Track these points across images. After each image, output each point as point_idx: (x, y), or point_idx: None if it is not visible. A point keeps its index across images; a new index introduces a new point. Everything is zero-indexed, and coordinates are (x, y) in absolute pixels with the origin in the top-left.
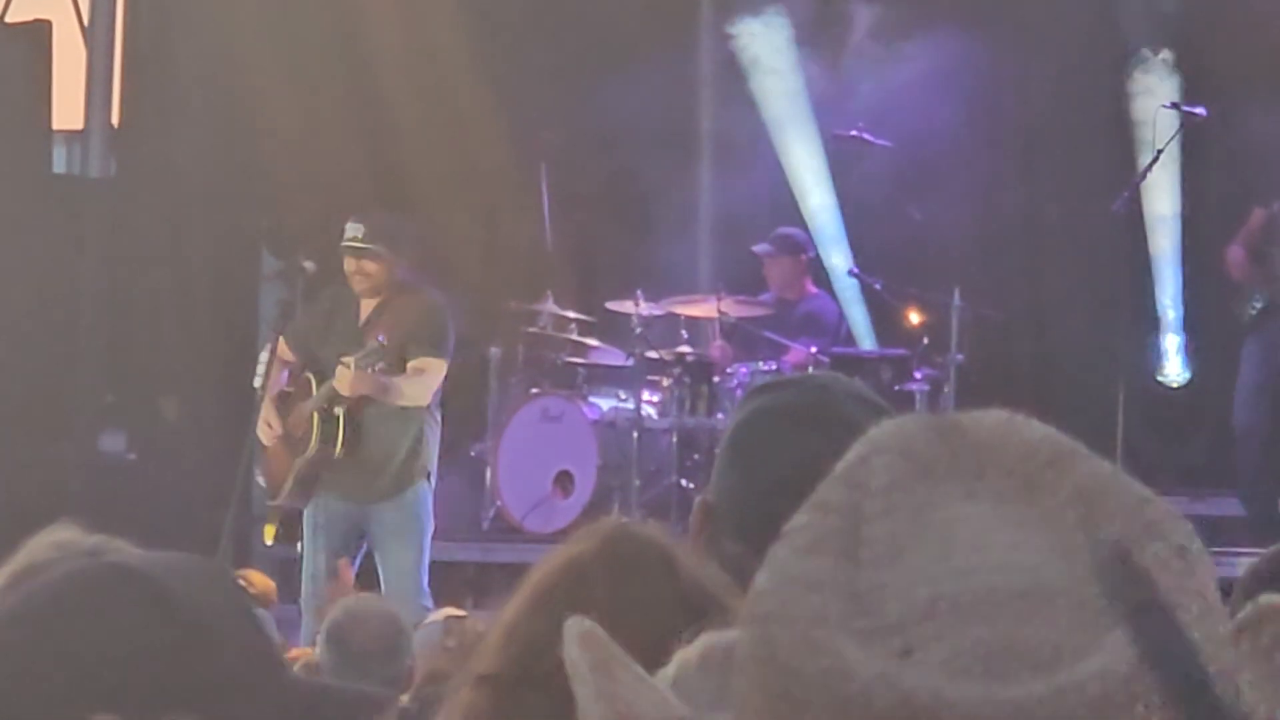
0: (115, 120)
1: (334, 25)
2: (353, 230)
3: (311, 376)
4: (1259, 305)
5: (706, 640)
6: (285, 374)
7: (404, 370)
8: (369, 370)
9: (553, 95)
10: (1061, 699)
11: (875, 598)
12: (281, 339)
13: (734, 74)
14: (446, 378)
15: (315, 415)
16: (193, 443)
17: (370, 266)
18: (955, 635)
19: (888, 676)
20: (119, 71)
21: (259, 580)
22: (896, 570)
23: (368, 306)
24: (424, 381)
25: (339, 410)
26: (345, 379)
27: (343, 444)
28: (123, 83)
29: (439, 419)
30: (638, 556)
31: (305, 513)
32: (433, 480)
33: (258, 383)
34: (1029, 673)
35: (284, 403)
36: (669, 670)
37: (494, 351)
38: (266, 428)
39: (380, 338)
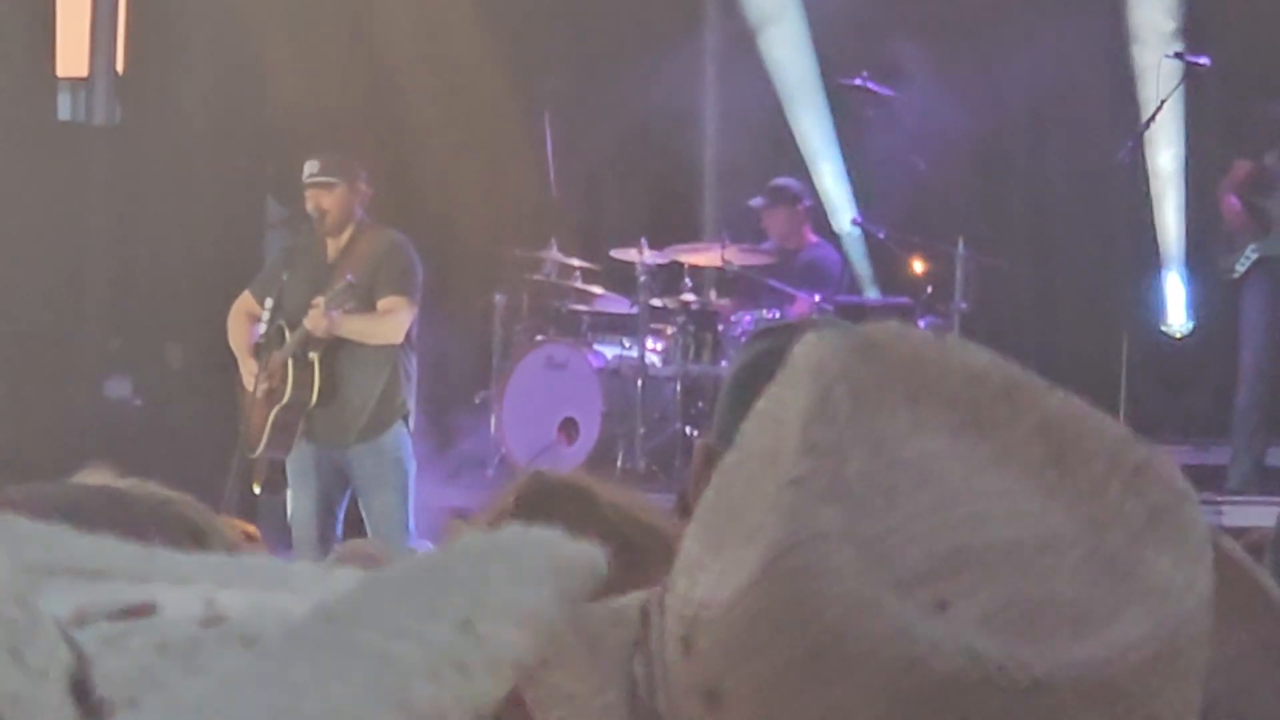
0: (120, 67)
1: None
2: (310, 167)
3: (284, 324)
4: (1255, 256)
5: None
6: (256, 328)
7: (374, 310)
8: (341, 310)
9: (557, 42)
10: (1124, 659)
11: (886, 547)
12: (248, 293)
13: (739, 21)
14: (451, 324)
15: (290, 362)
16: (198, 389)
17: (327, 200)
18: (990, 589)
19: (955, 638)
20: (124, 18)
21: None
22: (896, 516)
23: (333, 248)
24: (396, 319)
25: (313, 355)
26: (318, 320)
27: (319, 389)
28: (127, 29)
29: (414, 361)
30: (554, 503)
31: (287, 461)
32: (410, 422)
33: (262, 329)
34: (1070, 629)
35: (257, 354)
36: None
37: (499, 299)
38: (251, 377)
39: (349, 277)
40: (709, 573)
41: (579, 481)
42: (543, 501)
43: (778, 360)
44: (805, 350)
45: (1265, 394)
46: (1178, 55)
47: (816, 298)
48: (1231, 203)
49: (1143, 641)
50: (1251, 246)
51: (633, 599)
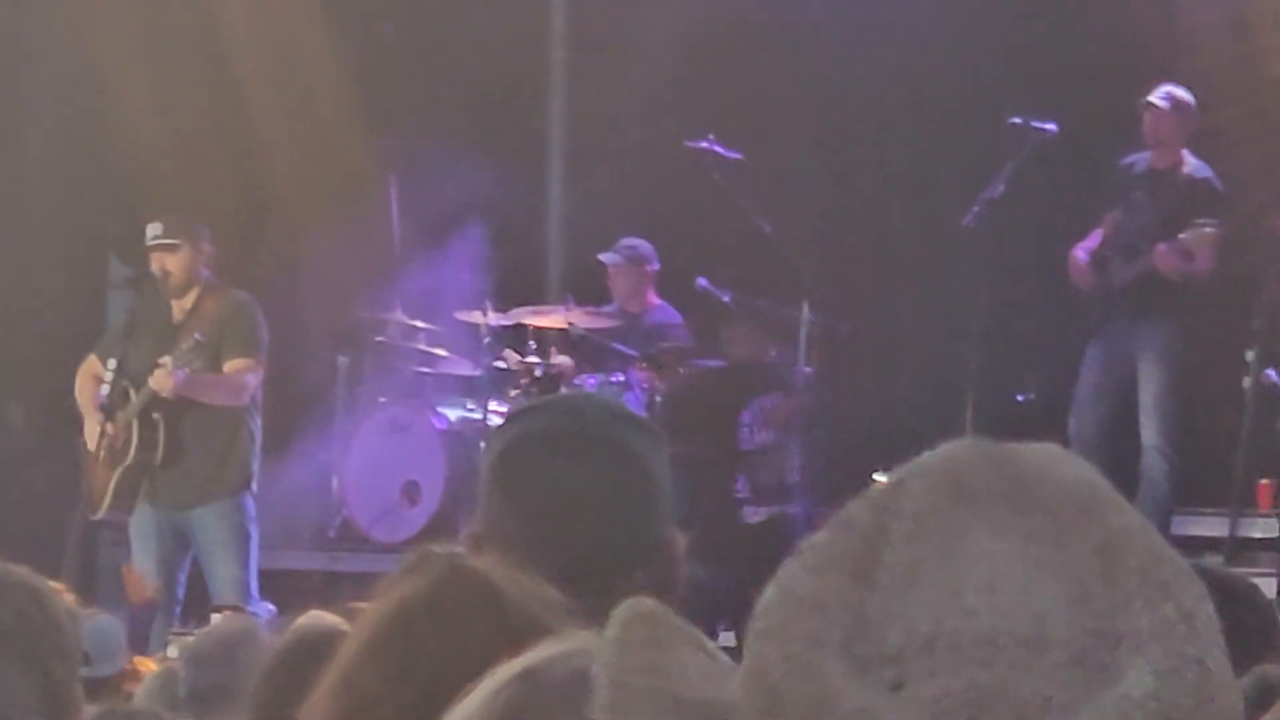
0: None
1: (192, 32)
2: (153, 230)
3: (129, 385)
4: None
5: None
6: (102, 390)
7: (220, 371)
8: (188, 370)
9: (403, 104)
10: None
11: (880, 624)
12: (94, 355)
13: (584, 81)
14: (294, 385)
15: (135, 423)
16: (40, 450)
17: (171, 261)
18: (949, 675)
19: (870, 711)
20: None
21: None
22: (907, 599)
23: (179, 309)
24: (241, 380)
25: (158, 416)
26: (163, 379)
27: (163, 450)
28: None
29: (258, 423)
30: (465, 600)
31: (130, 523)
32: (254, 485)
33: (105, 390)
34: None
35: (102, 415)
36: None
37: (342, 360)
38: (97, 434)
39: (197, 335)
40: None
41: (490, 580)
42: (456, 599)
43: (531, 443)
44: (929, 453)
45: (1088, 455)
46: (1024, 121)
47: None
48: (1076, 258)
49: None
50: (1096, 302)
51: None
